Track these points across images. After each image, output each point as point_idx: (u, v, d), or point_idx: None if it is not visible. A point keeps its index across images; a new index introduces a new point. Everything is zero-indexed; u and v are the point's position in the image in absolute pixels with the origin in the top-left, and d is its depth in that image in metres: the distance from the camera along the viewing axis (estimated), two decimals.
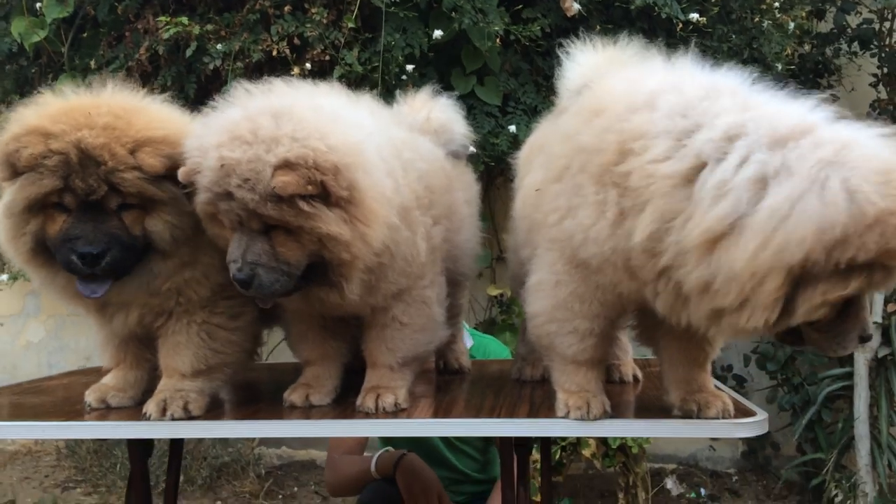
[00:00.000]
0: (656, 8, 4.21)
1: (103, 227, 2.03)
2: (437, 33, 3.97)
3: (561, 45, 4.69)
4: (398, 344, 2.26)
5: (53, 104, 2.09)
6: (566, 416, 2.04)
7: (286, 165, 1.82)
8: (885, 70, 5.26)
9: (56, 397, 2.61)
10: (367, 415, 2.17)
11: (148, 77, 4.48)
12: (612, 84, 2.08)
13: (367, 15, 4.16)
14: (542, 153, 2.43)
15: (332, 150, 1.87)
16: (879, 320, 5.19)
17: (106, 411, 2.32)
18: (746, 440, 5.99)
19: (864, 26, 5.20)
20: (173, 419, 2.15)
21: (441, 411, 2.24)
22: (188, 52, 4.01)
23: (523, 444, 2.38)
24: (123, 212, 2.06)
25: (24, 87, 4.85)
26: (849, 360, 5.31)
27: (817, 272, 1.59)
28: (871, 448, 5.24)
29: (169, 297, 2.21)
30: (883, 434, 5.17)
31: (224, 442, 6.11)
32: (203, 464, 5.95)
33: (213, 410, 2.28)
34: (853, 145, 1.63)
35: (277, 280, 1.93)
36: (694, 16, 4.13)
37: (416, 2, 4.05)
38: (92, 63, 4.60)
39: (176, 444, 2.91)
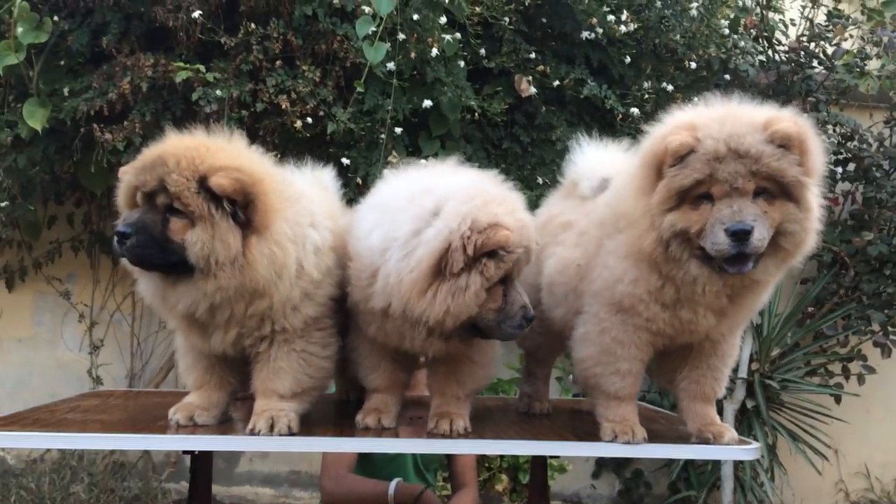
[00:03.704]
0: (604, 100, 4.92)
1: (142, 217, 2.32)
2: (427, 103, 4.45)
3: (514, 121, 5.31)
4: (467, 378, 2.65)
5: None
6: (613, 441, 2.54)
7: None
8: None
9: (118, 416, 2.78)
10: (444, 435, 2.56)
11: (125, 110, 4.62)
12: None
13: (353, 76, 4.57)
14: (569, 231, 2.92)
15: None
16: (745, 376, 6.10)
17: (194, 428, 2.56)
18: (624, 480, 6.74)
19: None
20: (280, 435, 2.44)
21: (501, 436, 2.67)
22: (194, 96, 4.23)
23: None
24: (172, 216, 2.32)
25: None
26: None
27: None
28: (735, 487, 6.10)
29: (263, 324, 2.50)
30: (746, 476, 6.04)
31: (131, 475, 6.09)
32: (112, 496, 5.88)
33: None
34: None
35: None
36: (634, 110, 4.88)
37: (406, 75, 4.51)
38: (66, 91, 4.67)
39: (205, 464, 3.10)
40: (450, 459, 3.98)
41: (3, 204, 5.21)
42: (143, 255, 2.33)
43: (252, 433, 2.43)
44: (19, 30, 4.52)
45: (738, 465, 6.04)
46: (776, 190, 2.27)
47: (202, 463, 2.79)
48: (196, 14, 4.19)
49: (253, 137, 4.52)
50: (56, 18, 4.68)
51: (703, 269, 2.35)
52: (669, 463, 6.33)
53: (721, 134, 2.22)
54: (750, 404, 6.05)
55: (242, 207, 2.33)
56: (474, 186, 2.37)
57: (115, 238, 2.34)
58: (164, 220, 2.33)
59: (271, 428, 2.44)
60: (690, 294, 2.42)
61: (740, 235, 2.22)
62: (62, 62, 4.79)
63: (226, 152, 2.41)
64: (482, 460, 5.43)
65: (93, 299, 6.34)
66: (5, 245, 6.14)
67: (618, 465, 6.68)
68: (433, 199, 2.33)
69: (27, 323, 6.45)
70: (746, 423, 6.10)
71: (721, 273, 2.34)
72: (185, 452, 2.71)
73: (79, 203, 6.11)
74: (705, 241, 2.28)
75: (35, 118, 4.68)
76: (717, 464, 6.06)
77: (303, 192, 2.57)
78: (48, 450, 6.00)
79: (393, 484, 3.41)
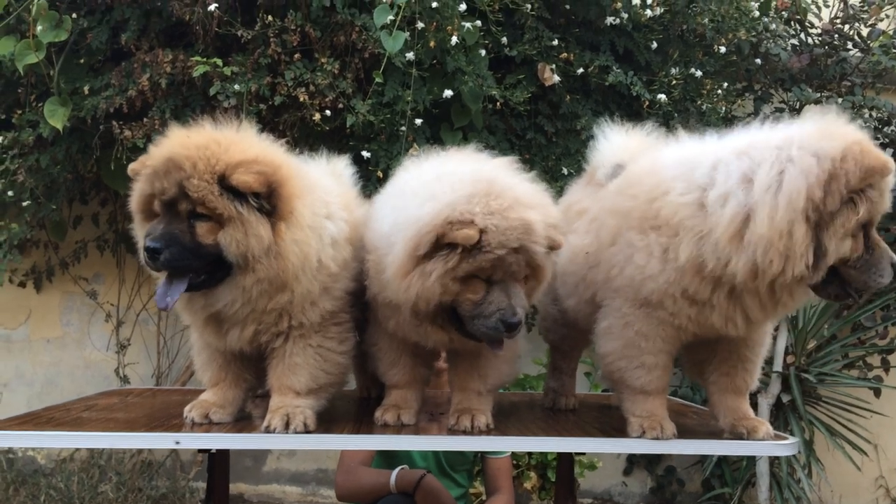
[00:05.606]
0: (630, 87, 4.79)
1: (168, 228, 2.26)
2: (448, 92, 4.35)
3: (538, 110, 5.17)
4: (489, 372, 2.57)
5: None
6: (641, 437, 2.43)
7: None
8: None
9: (134, 414, 2.73)
10: (465, 432, 2.48)
11: (145, 107, 4.60)
12: (640, 166, 2.58)
13: (372, 67, 4.49)
14: (582, 218, 2.83)
15: None
16: (780, 370, 5.94)
17: (209, 426, 2.50)
18: (656, 477, 6.60)
19: (776, 113, 6.06)
20: (296, 433, 2.37)
21: (525, 433, 2.57)
22: (212, 91, 4.19)
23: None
24: (196, 221, 2.28)
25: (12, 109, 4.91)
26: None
27: (828, 209, 2.10)
28: (770, 484, 5.94)
29: (281, 319, 2.44)
30: (783, 472, 5.88)
31: (159, 473, 6.09)
32: (140, 495, 5.88)
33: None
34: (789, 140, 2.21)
35: None
36: (661, 97, 4.75)
37: (425, 65, 4.42)
38: (86, 89, 4.65)
39: (222, 462, 3.05)
40: (483, 462, 3.89)
41: (26, 203, 5.22)
42: (180, 266, 2.29)
43: (267, 431, 2.37)
44: (39, 28, 4.52)
45: (773, 461, 5.90)
46: None
47: (220, 461, 2.74)
48: (212, 7, 4.14)
49: (272, 131, 4.51)
50: (75, 16, 4.67)
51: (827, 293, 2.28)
52: (703, 459, 6.19)
53: None
54: (785, 398, 5.88)
55: (266, 198, 2.28)
56: (478, 176, 2.28)
57: (146, 254, 2.26)
58: (190, 226, 2.28)
59: (287, 425, 2.38)
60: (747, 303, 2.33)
61: None
62: (82, 60, 4.78)
63: (237, 146, 2.34)
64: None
65: (119, 299, 6.35)
66: (32, 246, 6.17)
67: (649, 461, 6.54)
68: (441, 185, 2.28)
69: (55, 323, 6.48)
70: (782, 417, 5.93)
71: (837, 299, 2.31)
72: (201, 451, 2.64)
73: (104, 203, 6.12)
74: (865, 270, 2.22)
75: (56, 117, 4.67)
76: (751, 460, 5.91)
77: (317, 183, 2.50)
78: (77, 449, 6.02)
79: (395, 472, 3.36)
